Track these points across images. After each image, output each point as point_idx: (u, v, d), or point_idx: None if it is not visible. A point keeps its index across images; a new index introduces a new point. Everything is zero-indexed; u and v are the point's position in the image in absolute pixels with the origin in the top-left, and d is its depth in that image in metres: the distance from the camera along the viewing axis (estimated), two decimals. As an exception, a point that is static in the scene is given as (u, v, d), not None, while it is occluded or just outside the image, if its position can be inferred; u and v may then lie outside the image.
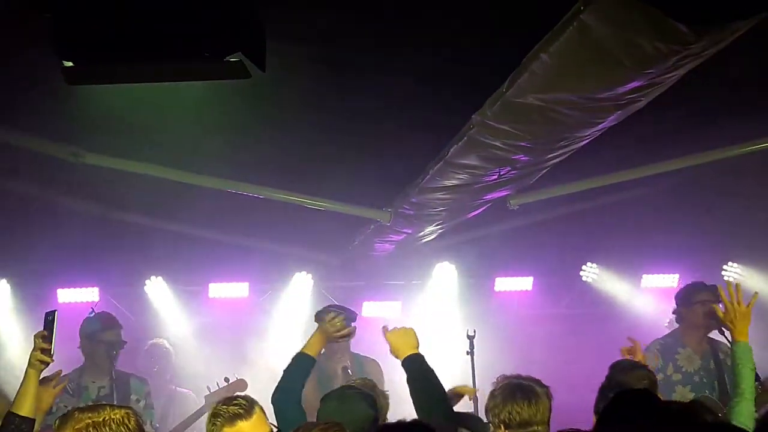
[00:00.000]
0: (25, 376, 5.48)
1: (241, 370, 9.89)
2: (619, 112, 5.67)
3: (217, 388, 8.83)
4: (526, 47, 5.22)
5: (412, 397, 4.89)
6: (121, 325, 7.81)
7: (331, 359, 8.16)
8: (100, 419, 3.60)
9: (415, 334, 5.15)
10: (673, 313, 8.39)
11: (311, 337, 5.96)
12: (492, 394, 5.21)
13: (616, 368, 6.01)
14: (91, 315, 7.80)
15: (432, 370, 4.95)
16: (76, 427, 3.59)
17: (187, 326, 11.51)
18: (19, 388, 5.49)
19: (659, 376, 7.34)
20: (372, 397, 4.94)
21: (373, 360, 7.66)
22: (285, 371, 5.80)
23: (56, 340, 5.58)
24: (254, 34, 3.19)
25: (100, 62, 3.09)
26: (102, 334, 7.59)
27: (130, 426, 3.64)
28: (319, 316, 6.11)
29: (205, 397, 8.91)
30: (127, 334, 8.34)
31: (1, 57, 5.15)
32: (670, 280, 11.47)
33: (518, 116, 5.85)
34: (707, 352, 8.18)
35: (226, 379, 8.98)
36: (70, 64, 3.09)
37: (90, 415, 3.63)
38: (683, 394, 7.94)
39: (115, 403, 6.89)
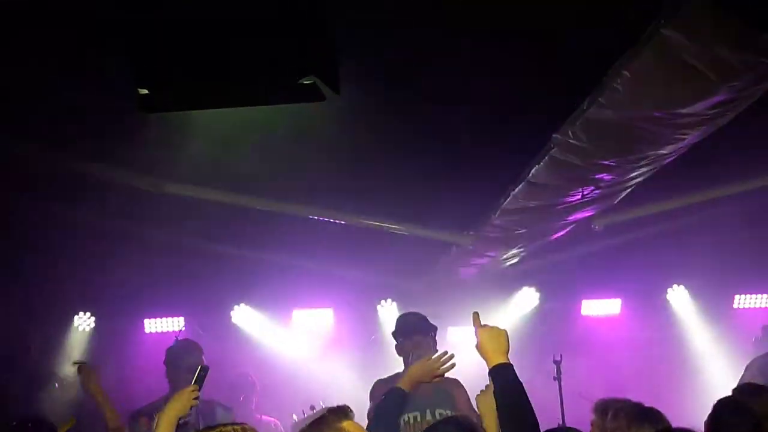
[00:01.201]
0: (163, 423, 5.46)
1: (326, 397, 9.84)
2: (704, 127, 5.54)
3: (303, 416, 8.78)
4: (609, 63, 5.13)
5: (500, 413, 4.60)
6: (202, 350, 7.80)
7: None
8: (228, 428, 3.86)
9: (507, 337, 4.63)
10: None
11: (407, 375, 5.82)
12: (614, 416, 5.07)
13: (744, 392, 5.76)
14: (175, 342, 7.84)
15: (521, 385, 4.51)
16: None
17: (273, 354, 11.53)
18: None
19: None
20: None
21: (455, 380, 7.30)
22: (380, 406, 5.72)
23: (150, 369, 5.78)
24: (328, 57, 3.16)
25: (174, 90, 3.09)
26: (182, 360, 7.59)
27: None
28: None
29: (292, 425, 8.88)
30: (212, 364, 8.35)
31: (82, 87, 5.22)
32: (764, 300, 11.18)
33: (599, 134, 5.75)
34: None
35: (312, 408, 8.93)
36: (146, 91, 3.10)
37: (218, 428, 3.88)
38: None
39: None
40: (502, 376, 4.53)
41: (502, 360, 4.55)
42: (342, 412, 4.36)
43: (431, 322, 7.07)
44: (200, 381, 5.85)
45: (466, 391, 6.90)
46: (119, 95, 3.32)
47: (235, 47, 2.99)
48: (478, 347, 4.65)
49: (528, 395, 4.48)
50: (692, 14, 4.22)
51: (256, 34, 2.97)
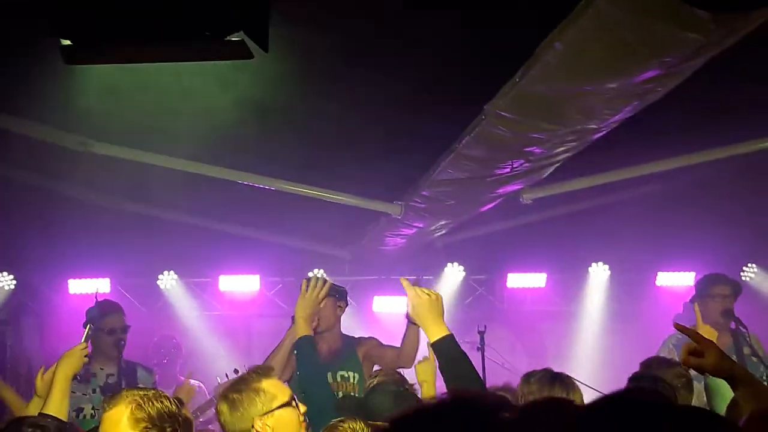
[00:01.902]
0: (59, 383, 5.38)
1: (251, 363, 9.79)
2: (636, 102, 5.56)
3: (227, 379, 8.72)
4: (541, 36, 5.11)
5: (449, 386, 4.55)
6: (122, 311, 7.72)
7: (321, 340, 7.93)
8: (150, 393, 4.07)
9: (441, 301, 4.48)
10: (691, 301, 8.23)
11: (298, 319, 5.85)
12: (526, 381, 5.13)
13: (653, 364, 5.91)
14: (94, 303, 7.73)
15: (467, 355, 4.44)
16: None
17: (197, 319, 11.49)
18: (53, 392, 5.37)
19: None
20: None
21: (370, 338, 7.42)
22: (299, 357, 5.75)
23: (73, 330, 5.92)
24: (257, 14, 3.09)
25: (98, 41, 3.00)
26: (102, 321, 7.49)
27: (171, 400, 4.13)
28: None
29: (215, 388, 8.83)
30: (138, 326, 8.28)
31: (4, 42, 5.07)
32: (686, 278, 11.34)
33: (531, 107, 5.75)
34: (729, 348, 7.95)
35: (236, 371, 8.86)
36: (68, 42, 3.00)
37: (138, 390, 4.13)
38: (699, 390, 7.72)
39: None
40: (447, 350, 4.43)
41: (442, 332, 4.43)
42: (262, 371, 4.39)
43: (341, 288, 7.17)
44: (89, 338, 5.98)
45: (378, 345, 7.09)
46: (46, 51, 3.21)
47: (162, 2, 2.91)
48: (414, 313, 4.53)
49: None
50: (627, -13, 4.22)
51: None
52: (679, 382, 5.63)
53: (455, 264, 11.69)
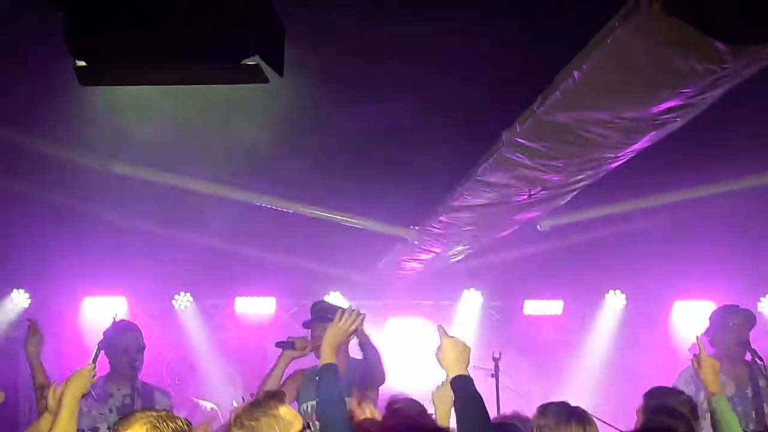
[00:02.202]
0: (67, 403, 5.40)
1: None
2: (654, 132, 5.55)
3: (243, 403, 8.70)
4: (561, 63, 5.11)
5: (458, 421, 4.75)
6: (139, 331, 7.72)
7: None
8: (163, 414, 4.02)
9: (469, 353, 4.85)
10: (705, 335, 8.18)
11: (325, 346, 5.75)
12: (542, 413, 5.13)
13: (657, 393, 5.92)
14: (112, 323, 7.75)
15: (480, 397, 4.76)
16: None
17: (212, 340, 11.50)
18: (61, 412, 5.39)
19: None
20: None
21: None
22: (320, 384, 5.68)
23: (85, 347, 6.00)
24: (273, 38, 3.10)
25: (113, 63, 3.02)
26: (119, 340, 7.51)
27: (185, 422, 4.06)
28: (322, 314, 5.97)
29: (230, 412, 8.80)
30: (153, 347, 8.29)
31: (23, 61, 5.11)
32: (704, 308, 11.26)
33: (549, 135, 5.74)
34: (743, 379, 7.89)
35: (252, 395, 8.84)
36: (83, 64, 3.02)
37: (151, 412, 4.05)
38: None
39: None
40: (464, 387, 4.74)
41: (463, 372, 4.77)
42: (277, 397, 4.36)
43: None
44: (97, 358, 5.93)
45: None
46: (60, 67, 3.23)
47: (176, 22, 2.92)
48: (440, 356, 4.86)
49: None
50: (645, 18, 4.20)
51: (199, 10, 2.91)
52: (686, 408, 5.62)
53: (472, 290, 11.69)
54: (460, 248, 9.23)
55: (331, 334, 5.64)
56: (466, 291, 11.74)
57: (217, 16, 2.94)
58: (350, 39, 5.37)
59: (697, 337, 6.63)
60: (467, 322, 11.85)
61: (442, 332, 4.98)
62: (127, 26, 2.93)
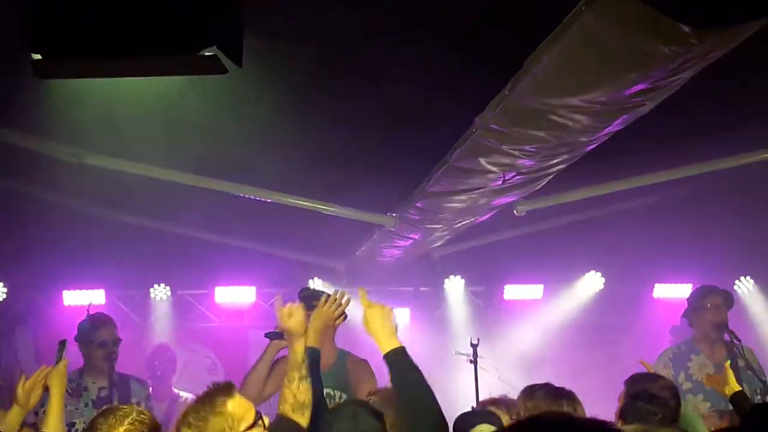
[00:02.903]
0: (55, 402, 5.48)
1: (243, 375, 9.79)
2: (625, 116, 5.54)
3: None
4: (531, 48, 5.10)
5: (400, 401, 4.54)
6: (114, 324, 7.68)
7: None
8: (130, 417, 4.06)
9: (394, 317, 4.67)
10: (684, 316, 8.21)
11: (309, 330, 5.58)
12: (530, 394, 5.11)
13: (638, 379, 5.97)
14: (86, 317, 7.71)
15: (420, 371, 4.55)
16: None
17: (193, 330, 11.49)
18: (50, 411, 5.48)
19: None
20: (382, 414, 4.73)
21: (363, 361, 7.12)
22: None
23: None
24: (230, 28, 3.07)
25: (69, 56, 2.98)
26: (94, 334, 7.48)
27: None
28: (307, 302, 5.92)
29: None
30: (132, 338, 8.28)
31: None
32: (683, 290, 11.30)
33: (521, 120, 5.73)
34: (722, 359, 7.92)
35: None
36: (39, 56, 2.99)
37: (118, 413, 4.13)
38: (695, 403, 7.66)
39: (114, 404, 6.92)
40: (399, 364, 4.57)
41: (394, 344, 4.58)
42: (225, 391, 4.13)
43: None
44: (61, 356, 5.95)
45: (368, 372, 6.85)
46: (22, 59, 3.20)
47: (132, 13, 2.89)
48: (366, 327, 4.67)
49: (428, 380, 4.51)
50: (611, 2, 4.20)
51: (155, 2, 2.88)
52: (667, 393, 5.65)
53: (456, 276, 11.69)
54: (438, 234, 9.22)
55: (317, 318, 5.48)
56: (449, 278, 11.73)
57: (174, 7, 2.92)
58: (313, 29, 5.35)
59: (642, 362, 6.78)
60: (449, 309, 11.88)
61: (363, 298, 4.81)
62: (82, 19, 2.90)
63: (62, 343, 6.01)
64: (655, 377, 6.09)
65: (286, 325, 5.15)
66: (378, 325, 4.64)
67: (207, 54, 2.99)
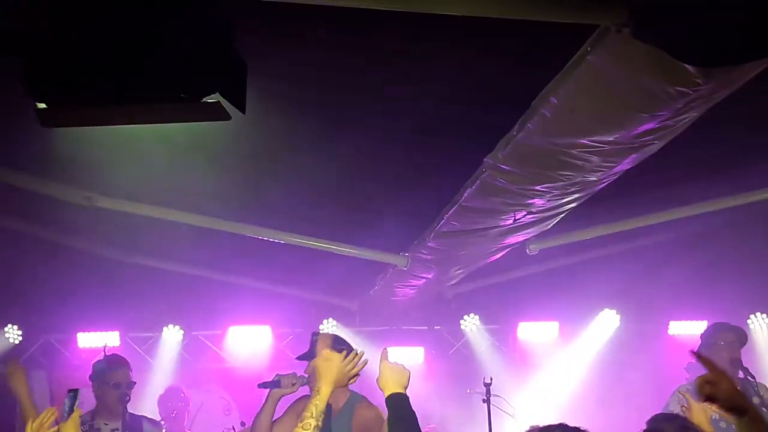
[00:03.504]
0: None
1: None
2: (634, 155, 5.54)
3: (234, 432, 8.69)
4: (539, 87, 5.11)
5: None
6: (129, 366, 7.68)
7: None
8: None
9: (409, 377, 4.92)
10: (696, 352, 8.11)
11: (323, 383, 5.56)
12: None
13: (656, 419, 5.92)
14: (101, 357, 7.73)
15: (414, 414, 4.79)
16: None
17: (206, 371, 11.50)
18: None
19: None
20: None
21: (374, 409, 6.94)
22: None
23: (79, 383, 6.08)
24: (233, 75, 3.10)
25: (73, 104, 3.01)
26: (109, 375, 7.48)
27: None
28: (336, 347, 5.85)
29: (223, 441, 8.78)
30: (146, 379, 8.29)
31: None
32: (698, 327, 11.22)
33: (529, 159, 5.74)
34: None
35: (242, 424, 8.83)
36: (44, 106, 3.02)
37: None
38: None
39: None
40: (398, 405, 4.80)
41: (400, 390, 4.82)
42: None
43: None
44: (73, 403, 5.81)
45: (375, 421, 6.71)
46: (24, 105, 3.23)
47: (135, 63, 2.92)
48: (379, 378, 4.90)
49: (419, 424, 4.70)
50: (615, 43, 4.22)
51: (156, 49, 2.90)
52: None
53: (471, 315, 11.67)
54: (451, 273, 9.21)
55: (333, 371, 5.50)
56: (464, 318, 11.72)
57: (176, 56, 2.94)
58: (326, 71, 5.38)
59: (693, 352, 6.60)
60: (464, 347, 11.86)
61: (384, 356, 5.00)
62: (85, 69, 2.92)
63: (74, 393, 5.91)
64: (671, 417, 6.02)
65: (322, 368, 5.19)
66: (391, 377, 4.86)
67: (210, 101, 3.02)
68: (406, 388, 4.86)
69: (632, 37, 4.01)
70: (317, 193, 7.81)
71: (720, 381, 3.99)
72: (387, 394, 4.82)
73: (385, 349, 5.11)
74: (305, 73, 5.34)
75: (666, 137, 5.23)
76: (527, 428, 5.63)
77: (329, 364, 5.14)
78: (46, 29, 2.89)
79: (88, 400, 7.69)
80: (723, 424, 7.61)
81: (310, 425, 4.96)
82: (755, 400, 7.67)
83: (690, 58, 4.00)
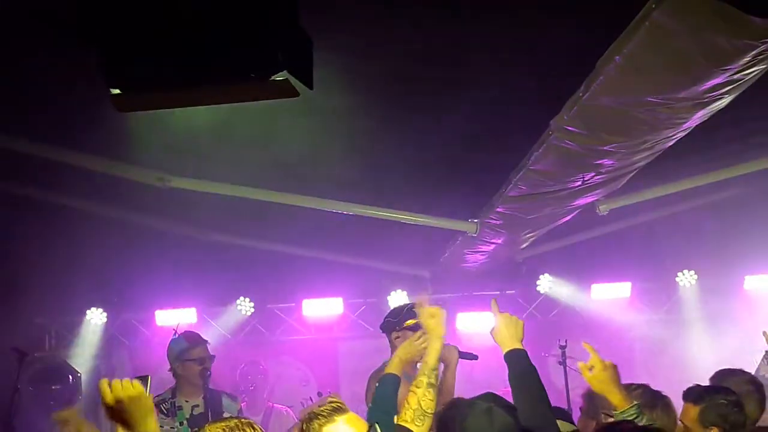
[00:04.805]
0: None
1: (337, 385, 9.91)
2: (702, 111, 5.50)
3: (310, 402, 8.81)
4: (604, 47, 5.08)
5: (513, 394, 4.74)
6: (206, 341, 7.82)
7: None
8: (232, 424, 3.92)
9: (522, 327, 4.96)
10: None
11: (395, 357, 5.56)
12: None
13: (718, 375, 5.93)
14: (176, 336, 7.85)
15: (535, 369, 4.84)
16: None
17: (282, 343, 11.65)
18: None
19: None
20: (515, 408, 4.81)
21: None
22: (377, 395, 5.58)
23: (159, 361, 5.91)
24: (300, 52, 3.15)
25: (146, 89, 3.09)
26: (190, 353, 7.62)
27: (256, 428, 3.96)
28: (399, 327, 5.88)
29: (301, 412, 8.90)
30: (223, 353, 8.42)
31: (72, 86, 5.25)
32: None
33: (596, 120, 5.72)
34: None
35: (320, 394, 8.96)
36: (118, 91, 3.10)
37: (221, 424, 3.96)
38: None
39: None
40: (517, 361, 4.83)
41: (517, 346, 4.85)
42: (339, 409, 4.21)
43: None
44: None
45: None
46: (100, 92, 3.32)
47: (204, 44, 2.98)
48: (495, 333, 4.96)
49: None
50: (682, -2, 4.19)
51: (225, 30, 2.96)
52: (744, 388, 5.55)
53: (545, 275, 11.64)
54: (521, 237, 9.21)
55: (406, 349, 5.61)
56: (540, 276, 11.66)
57: (243, 35, 3.00)
58: (386, 45, 5.41)
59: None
60: (537, 310, 11.84)
61: (496, 309, 5.06)
62: (156, 53, 3.00)
63: (144, 379, 5.88)
64: (736, 372, 5.97)
65: (425, 325, 5.24)
66: (506, 331, 4.91)
67: (278, 79, 3.07)
68: (521, 340, 4.91)
69: (697, -9, 3.98)
70: (386, 166, 7.84)
71: None
72: (505, 350, 4.87)
73: (494, 299, 5.16)
74: (373, 49, 5.38)
75: (735, 91, 5.18)
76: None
77: (437, 320, 5.23)
78: (122, 18, 2.97)
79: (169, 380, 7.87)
80: None
81: (422, 382, 5.00)
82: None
83: (755, 9, 3.96)
